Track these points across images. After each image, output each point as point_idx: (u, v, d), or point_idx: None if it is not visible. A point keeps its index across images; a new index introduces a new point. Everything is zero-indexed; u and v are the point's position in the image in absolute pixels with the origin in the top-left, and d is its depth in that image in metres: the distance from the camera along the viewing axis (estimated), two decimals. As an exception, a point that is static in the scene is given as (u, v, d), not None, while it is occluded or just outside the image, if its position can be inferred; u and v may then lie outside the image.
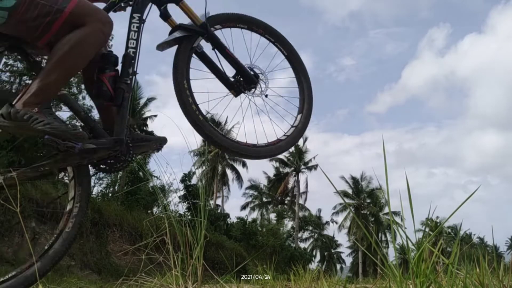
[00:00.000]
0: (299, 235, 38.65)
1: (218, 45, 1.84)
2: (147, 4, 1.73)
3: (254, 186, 40.07)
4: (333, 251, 43.48)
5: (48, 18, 1.34)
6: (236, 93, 1.90)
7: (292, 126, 1.96)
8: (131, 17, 1.66)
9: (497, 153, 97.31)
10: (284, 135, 1.92)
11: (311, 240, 42.90)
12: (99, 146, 1.49)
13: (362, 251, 33.98)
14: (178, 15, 1.82)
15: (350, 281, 5.16)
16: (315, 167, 37.67)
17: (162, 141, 1.76)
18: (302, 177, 38.57)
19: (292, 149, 38.38)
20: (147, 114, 27.35)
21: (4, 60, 17.35)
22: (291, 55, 2.05)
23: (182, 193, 21.01)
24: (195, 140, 1.96)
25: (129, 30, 1.64)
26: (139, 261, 2.37)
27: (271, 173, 40.31)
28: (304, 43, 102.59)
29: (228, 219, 25.88)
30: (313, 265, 31.17)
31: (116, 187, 21.58)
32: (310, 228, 42.56)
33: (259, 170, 67.79)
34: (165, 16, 1.81)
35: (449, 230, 41.26)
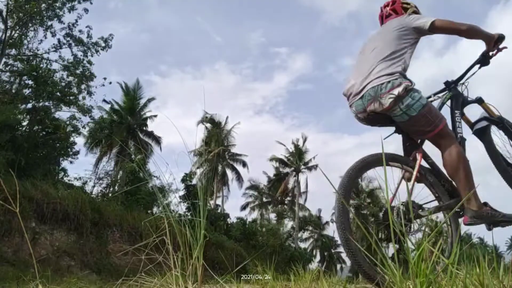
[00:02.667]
0: (299, 235, 38.65)
1: (510, 133, 2.37)
2: (460, 103, 2.32)
3: (254, 186, 39.99)
4: (333, 251, 43.43)
5: (429, 128, 2.01)
6: None
7: None
8: (453, 113, 2.27)
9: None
10: None
11: (311, 240, 42.86)
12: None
13: (362, 251, 33.84)
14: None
15: (350, 281, 5.16)
16: (315, 167, 37.63)
17: None
18: (302, 177, 38.53)
19: (292, 149, 38.44)
20: (147, 114, 27.37)
21: (4, 60, 17.36)
22: None
23: (182, 193, 20.99)
24: (195, 139, 1.97)
25: (454, 121, 2.25)
26: (139, 261, 2.37)
27: (271, 173, 40.16)
28: (303, 43, 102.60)
29: (228, 219, 25.85)
30: (313, 265, 31.16)
31: (116, 187, 21.57)
32: (310, 228, 42.52)
33: (259, 170, 67.31)
34: (462, 114, 2.33)
35: (449, 230, 41.15)
